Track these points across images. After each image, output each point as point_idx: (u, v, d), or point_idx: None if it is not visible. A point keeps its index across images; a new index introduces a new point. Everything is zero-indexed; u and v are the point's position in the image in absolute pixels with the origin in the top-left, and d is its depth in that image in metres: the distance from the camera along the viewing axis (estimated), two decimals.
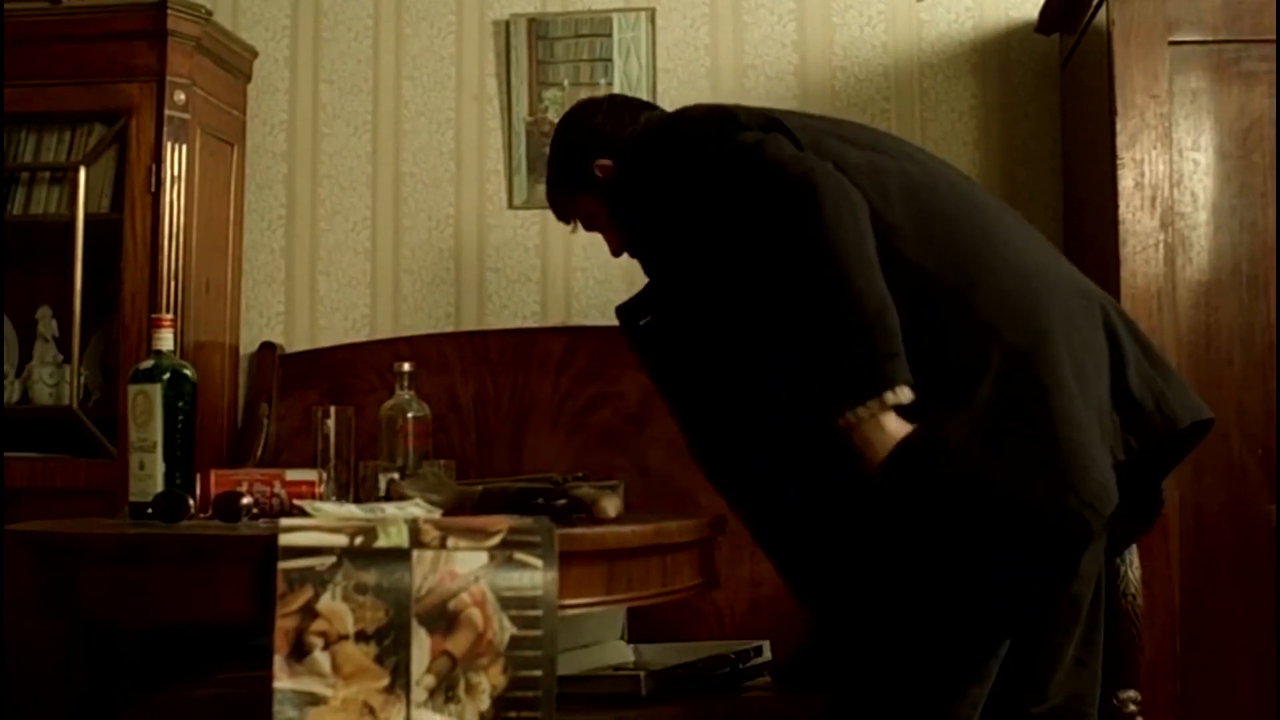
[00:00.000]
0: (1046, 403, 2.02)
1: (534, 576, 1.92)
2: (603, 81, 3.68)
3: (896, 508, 2.03)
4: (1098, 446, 2.03)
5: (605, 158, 2.51)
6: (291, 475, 2.40)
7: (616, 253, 2.60)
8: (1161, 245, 2.96)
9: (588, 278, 3.64)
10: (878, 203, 2.16)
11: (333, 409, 2.51)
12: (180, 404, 2.40)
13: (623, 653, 2.92)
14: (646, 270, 2.49)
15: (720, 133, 2.28)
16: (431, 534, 1.92)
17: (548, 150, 2.74)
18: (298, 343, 3.76)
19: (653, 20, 3.71)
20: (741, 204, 2.18)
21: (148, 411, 2.38)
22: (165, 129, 3.37)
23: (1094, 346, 2.12)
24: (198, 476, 2.40)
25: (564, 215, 2.68)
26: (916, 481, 2.01)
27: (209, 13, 3.48)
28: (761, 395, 2.19)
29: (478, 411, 3.48)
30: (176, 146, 3.38)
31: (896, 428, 2.02)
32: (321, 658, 1.86)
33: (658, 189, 2.34)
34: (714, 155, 2.26)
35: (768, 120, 2.29)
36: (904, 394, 2.02)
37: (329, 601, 1.87)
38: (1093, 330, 2.14)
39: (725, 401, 2.25)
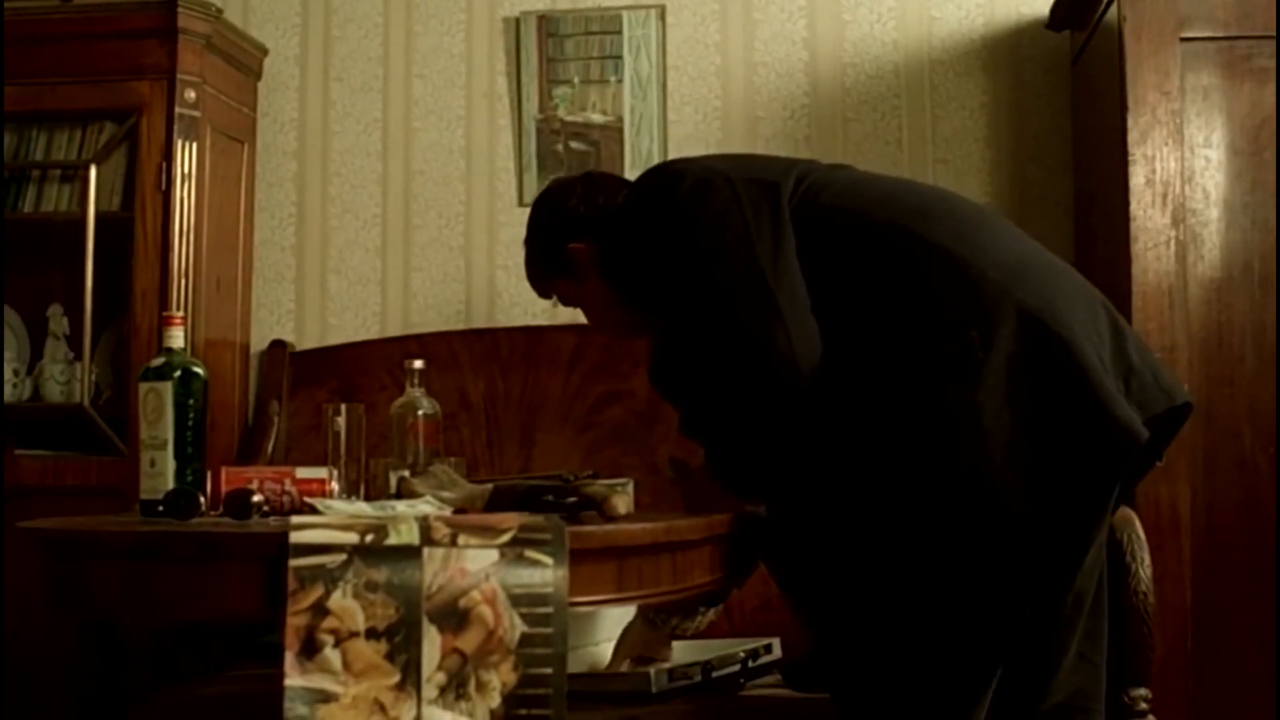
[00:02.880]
0: (1069, 352, 2.04)
1: (544, 574, 1.92)
2: (613, 79, 3.68)
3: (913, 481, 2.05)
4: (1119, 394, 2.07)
5: (579, 240, 2.54)
6: (302, 473, 2.39)
7: (597, 327, 2.69)
8: (1173, 242, 2.95)
9: None
10: (860, 198, 2.26)
11: (343, 406, 2.51)
12: (191, 402, 2.40)
13: None
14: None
15: (659, 201, 2.35)
16: (442, 531, 1.92)
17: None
18: (308, 340, 3.76)
19: (663, 17, 3.71)
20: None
21: (158, 409, 2.38)
22: (176, 127, 3.37)
23: (1097, 317, 2.16)
24: (209, 474, 2.40)
25: (544, 293, 2.70)
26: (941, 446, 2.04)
27: (219, 10, 3.49)
28: None
29: (488, 409, 3.48)
30: (187, 144, 3.39)
31: None
32: (332, 655, 1.86)
33: (636, 254, 2.40)
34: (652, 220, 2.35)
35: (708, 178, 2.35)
36: None
37: (340, 599, 1.87)
38: (1093, 306, 2.18)
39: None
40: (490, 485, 2.36)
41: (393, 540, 1.91)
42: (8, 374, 3.51)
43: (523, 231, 3.69)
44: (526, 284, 3.65)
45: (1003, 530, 2.04)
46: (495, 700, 1.89)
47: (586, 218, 2.56)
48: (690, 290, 2.23)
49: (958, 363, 2.05)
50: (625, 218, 2.43)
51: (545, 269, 2.62)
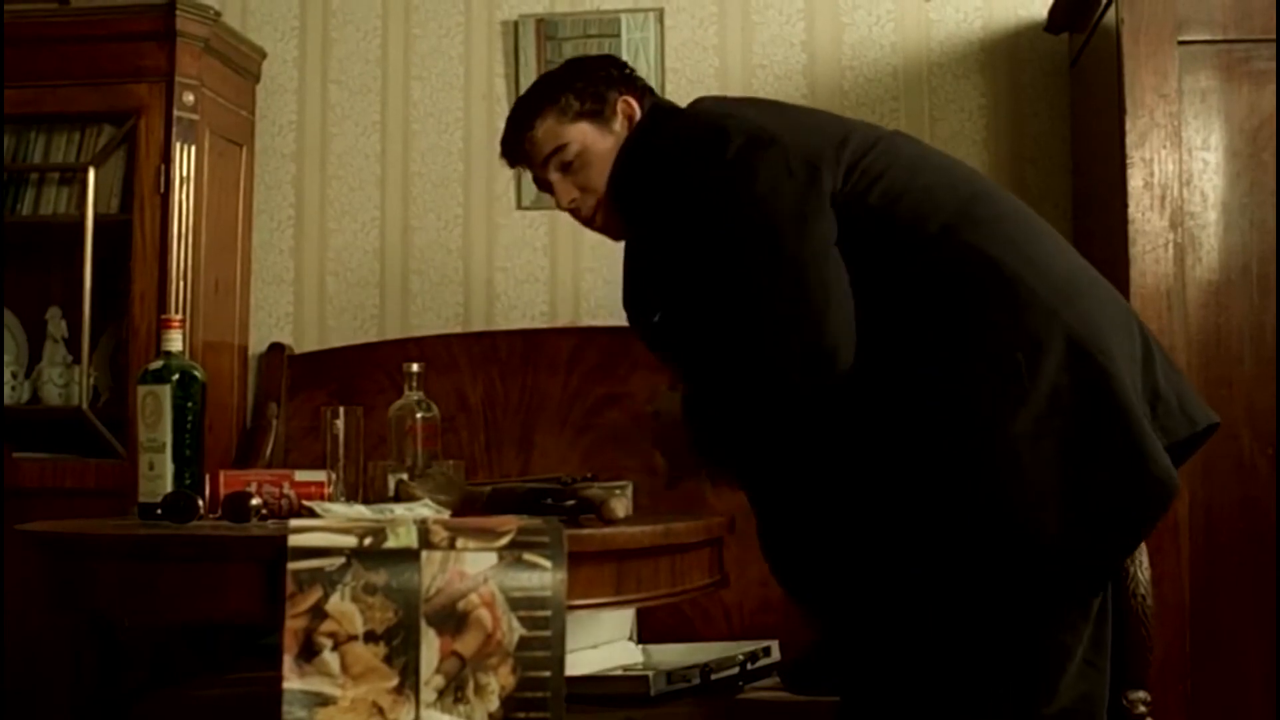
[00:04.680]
0: (1112, 390, 2.03)
1: (543, 577, 1.92)
2: None
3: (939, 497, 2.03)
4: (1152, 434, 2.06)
5: (634, 99, 2.40)
6: (300, 476, 2.40)
7: (576, 199, 2.38)
8: (1171, 245, 2.95)
9: (596, 278, 3.65)
10: (912, 194, 2.17)
11: (341, 409, 2.51)
12: (189, 404, 2.41)
13: (631, 653, 2.92)
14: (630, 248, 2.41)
15: (705, 156, 2.22)
16: (440, 534, 1.92)
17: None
18: (306, 343, 3.76)
19: (661, 20, 3.71)
20: (706, 233, 2.16)
21: (157, 412, 2.39)
22: (174, 130, 3.37)
23: (1132, 338, 2.15)
24: (207, 477, 2.40)
25: (523, 147, 2.40)
26: (970, 468, 2.03)
27: (217, 14, 3.49)
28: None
29: (486, 412, 3.49)
30: (185, 147, 3.39)
31: None
32: (330, 658, 1.86)
33: (648, 187, 2.27)
34: (693, 179, 2.21)
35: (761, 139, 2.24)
36: None
37: (338, 602, 1.87)
38: (1129, 326, 2.17)
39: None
40: (488, 488, 2.36)
41: (391, 543, 1.91)
42: (6, 376, 3.51)
43: (521, 234, 3.73)
44: (525, 286, 3.71)
45: (1030, 561, 2.03)
46: (494, 703, 1.89)
47: (644, 87, 2.44)
48: (738, 260, 2.12)
49: (1003, 388, 2.03)
50: (664, 165, 2.27)
51: (575, 105, 2.37)
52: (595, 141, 2.36)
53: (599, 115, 2.37)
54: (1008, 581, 2.04)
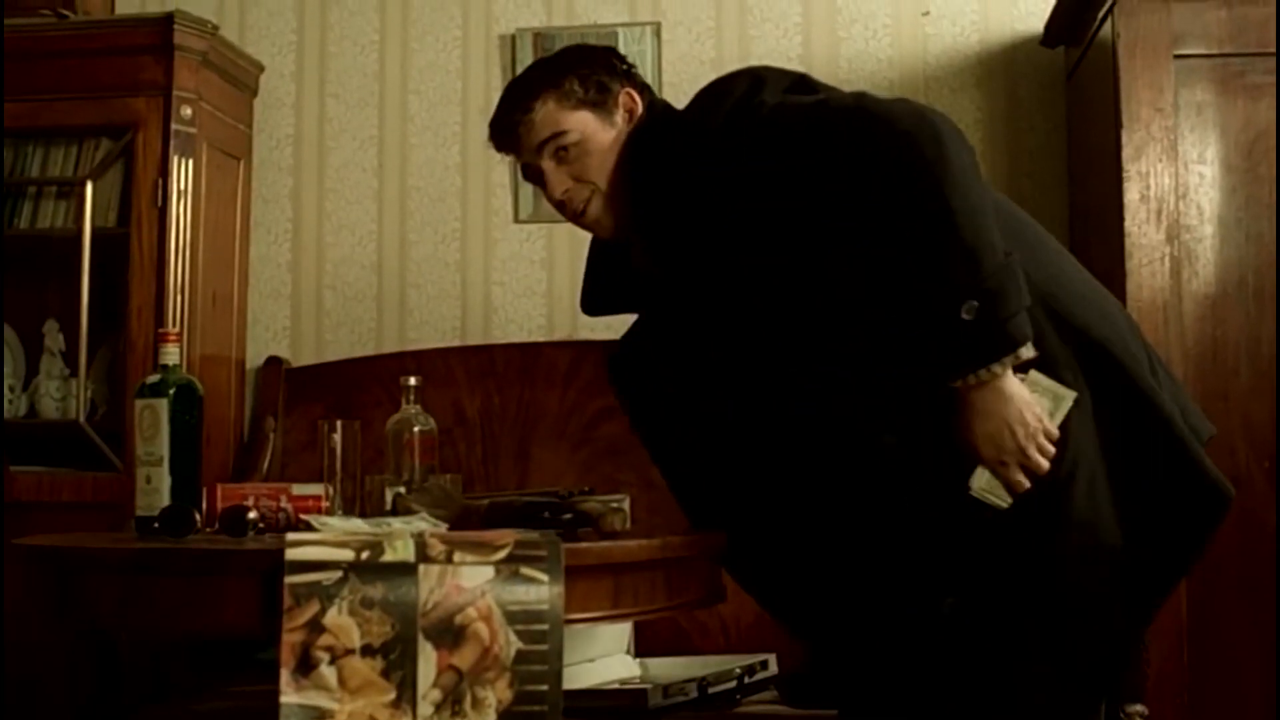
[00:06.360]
0: (1153, 405, 2.06)
1: (540, 590, 1.92)
2: None
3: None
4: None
5: (636, 94, 2.31)
6: (298, 490, 2.40)
7: (570, 192, 2.27)
8: (1167, 258, 2.96)
9: None
10: None
11: (339, 423, 2.51)
12: (187, 418, 2.40)
13: (629, 666, 2.92)
14: (654, 256, 2.29)
15: (756, 99, 2.15)
16: (438, 548, 1.92)
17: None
18: (304, 357, 3.76)
19: (658, 34, 3.72)
20: (842, 162, 2.06)
21: (154, 426, 2.39)
22: (172, 143, 3.38)
23: (1143, 355, 2.15)
24: (204, 491, 2.40)
25: (539, 129, 2.26)
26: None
27: (215, 27, 3.49)
28: (831, 366, 2.13)
29: (484, 425, 3.49)
30: (183, 161, 3.39)
31: (1016, 389, 1.98)
32: (328, 672, 1.86)
33: (701, 164, 2.15)
34: (790, 115, 2.12)
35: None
36: (1029, 351, 1.98)
37: (335, 616, 1.87)
38: (1135, 336, 2.19)
39: (760, 397, 2.23)
40: (486, 501, 2.36)
41: (388, 557, 1.91)
42: (4, 390, 3.51)
43: (518, 248, 3.73)
44: (522, 300, 3.71)
45: (1106, 580, 2.05)
46: (491, 717, 1.88)
47: (645, 84, 2.35)
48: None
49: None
50: (710, 132, 2.16)
51: (577, 91, 2.27)
52: (596, 132, 2.26)
53: (601, 105, 2.27)
54: (1072, 599, 2.04)
